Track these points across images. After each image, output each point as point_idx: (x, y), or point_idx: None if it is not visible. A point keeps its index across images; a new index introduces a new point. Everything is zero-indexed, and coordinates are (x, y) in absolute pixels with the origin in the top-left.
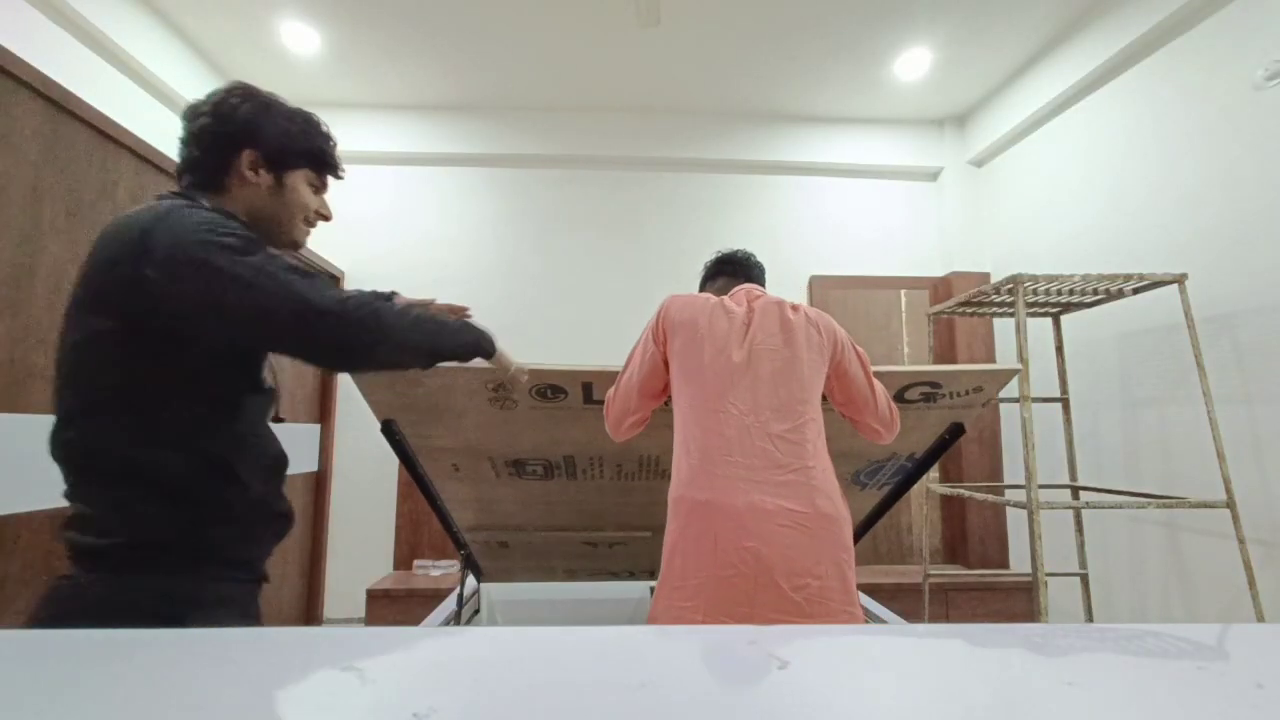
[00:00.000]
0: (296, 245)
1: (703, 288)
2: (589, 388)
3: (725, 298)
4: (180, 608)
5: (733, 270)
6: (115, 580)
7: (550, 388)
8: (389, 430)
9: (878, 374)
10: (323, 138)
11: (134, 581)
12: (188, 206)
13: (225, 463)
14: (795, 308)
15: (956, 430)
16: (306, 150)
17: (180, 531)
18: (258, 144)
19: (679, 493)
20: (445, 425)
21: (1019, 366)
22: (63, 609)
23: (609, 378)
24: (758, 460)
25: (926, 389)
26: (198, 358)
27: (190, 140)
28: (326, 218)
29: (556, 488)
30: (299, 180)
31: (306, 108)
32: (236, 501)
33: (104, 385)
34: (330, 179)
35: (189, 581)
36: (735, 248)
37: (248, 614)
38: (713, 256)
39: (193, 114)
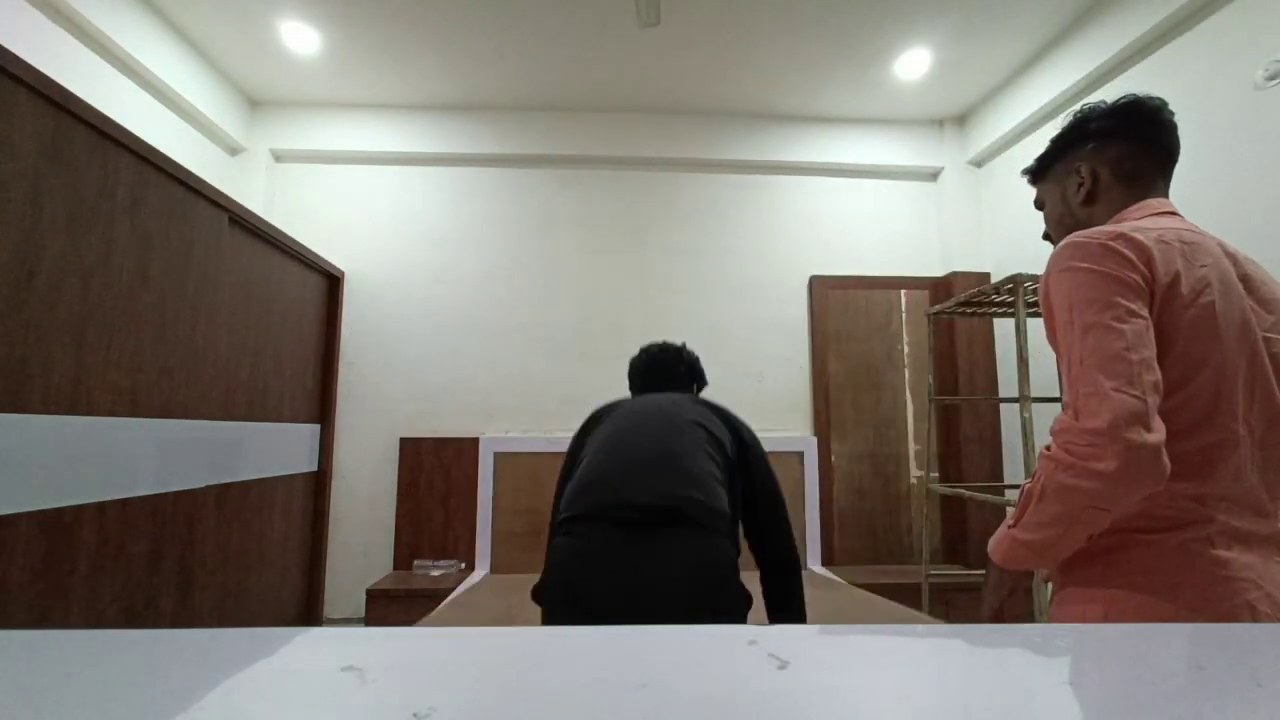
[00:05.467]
0: None
1: (1072, 149)
2: None
3: (1178, 221)
4: None
5: (1168, 146)
6: None
7: None
8: None
9: None
10: None
11: None
12: None
13: None
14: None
15: None
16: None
17: None
18: (701, 382)
19: (1169, 530)
20: None
21: None
22: None
23: None
24: (1251, 507)
25: None
26: None
27: (676, 374)
28: None
29: None
30: None
31: (306, 108)
32: None
33: None
34: None
35: None
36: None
37: None
38: (1119, 102)
39: (673, 361)
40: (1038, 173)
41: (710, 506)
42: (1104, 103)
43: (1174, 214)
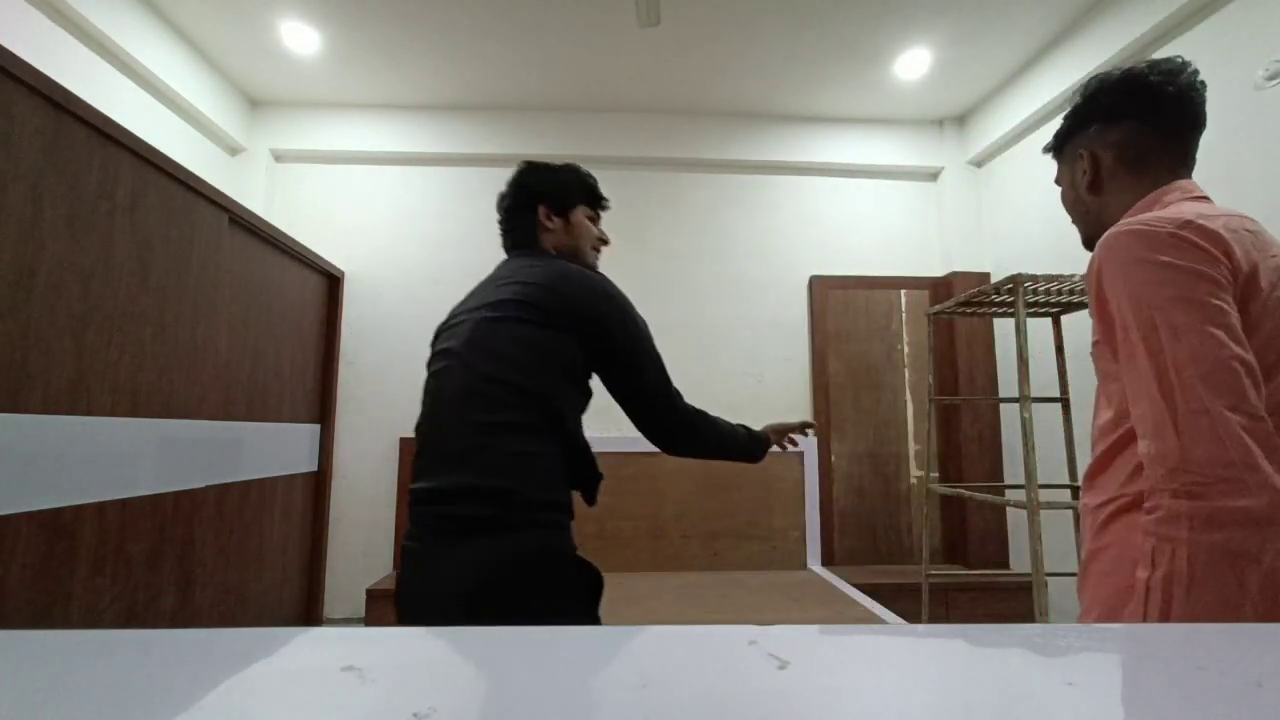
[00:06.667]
0: (592, 267)
1: (1082, 128)
2: None
3: (1224, 208)
4: None
5: (1180, 121)
6: None
7: None
8: None
9: None
10: (587, 178)
11: None
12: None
13: None
14: None
15: None
16: (578, 191)
17: None
18: (545, 199)
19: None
20: None
21: None
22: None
23: None
24: None
25: None
26: None
27: (506, 216)
28: (606, 242)
29: None
30: (580, 216)
31: (306, 108)
32: None
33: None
34: (601, 210)
35: None
36: (1169, 60)
37: None
38: (1120, 77)
39: (504, 199)
40: (1056, 149)
41: (504, 490)
42: (1116, 71)
43: (1207, 199)
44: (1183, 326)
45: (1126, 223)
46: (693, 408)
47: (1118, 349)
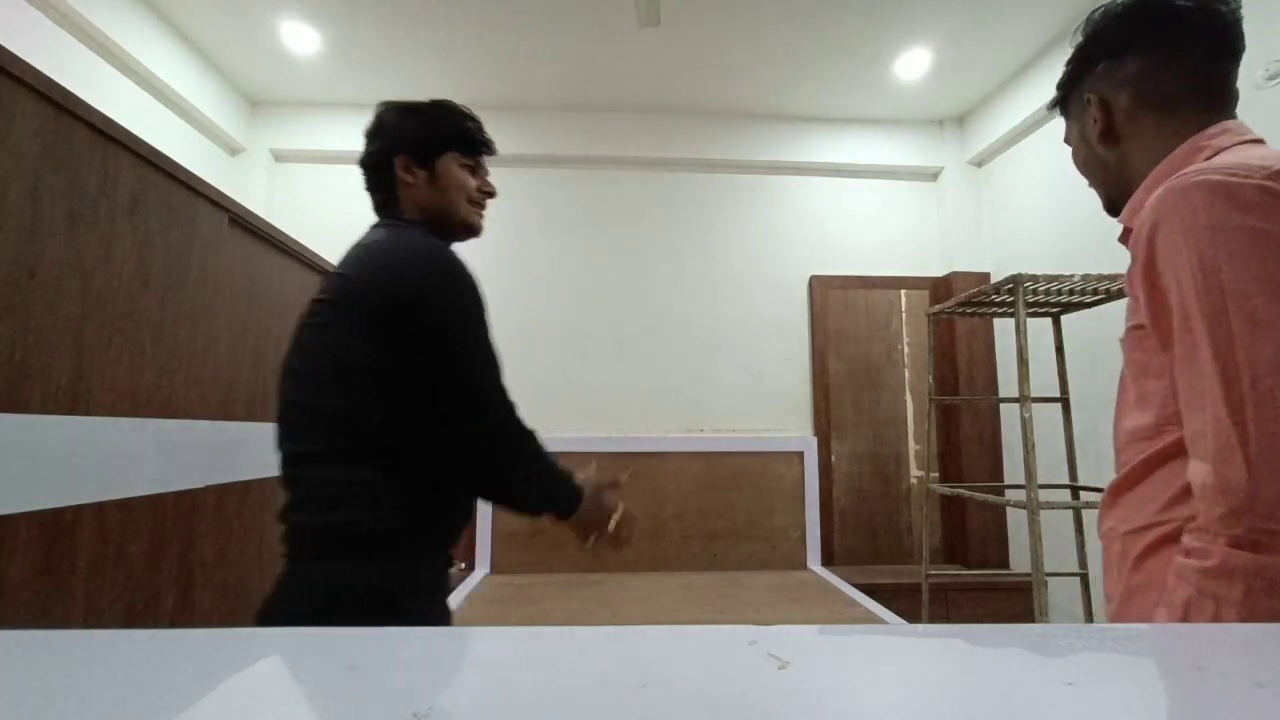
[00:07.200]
0: (470, 228)
1: (1088, 70)
2: None
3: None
4: None
5: (1205, 44)
6: None
7: None
8: None
9: None
10: (462, 117)
11: None
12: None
13: None
14: None
15: None
16: (446, 134)
17: None
18: (403, 147)
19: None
20: None
21: None
22: None
23: None
24: None
25: None
26: None
27: (365, 175)
28: (490, 194)
29: None
30: (450, 165)
31: (306, 108)
32: None
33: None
34: (482, 155)
35: None
36: None
37: None
38: (1128, 2)
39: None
40: (1061, 102)
41: (304, 526)
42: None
43: (1264, 143)
44: (1269, 317)
45: (1196, 170)
46: (529, 429)
47: (1172, 339)
